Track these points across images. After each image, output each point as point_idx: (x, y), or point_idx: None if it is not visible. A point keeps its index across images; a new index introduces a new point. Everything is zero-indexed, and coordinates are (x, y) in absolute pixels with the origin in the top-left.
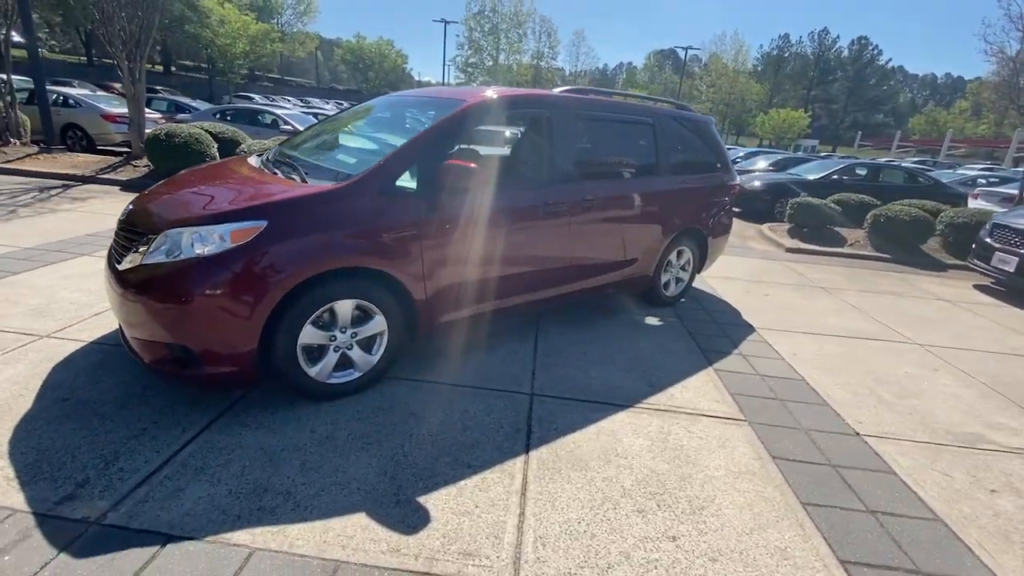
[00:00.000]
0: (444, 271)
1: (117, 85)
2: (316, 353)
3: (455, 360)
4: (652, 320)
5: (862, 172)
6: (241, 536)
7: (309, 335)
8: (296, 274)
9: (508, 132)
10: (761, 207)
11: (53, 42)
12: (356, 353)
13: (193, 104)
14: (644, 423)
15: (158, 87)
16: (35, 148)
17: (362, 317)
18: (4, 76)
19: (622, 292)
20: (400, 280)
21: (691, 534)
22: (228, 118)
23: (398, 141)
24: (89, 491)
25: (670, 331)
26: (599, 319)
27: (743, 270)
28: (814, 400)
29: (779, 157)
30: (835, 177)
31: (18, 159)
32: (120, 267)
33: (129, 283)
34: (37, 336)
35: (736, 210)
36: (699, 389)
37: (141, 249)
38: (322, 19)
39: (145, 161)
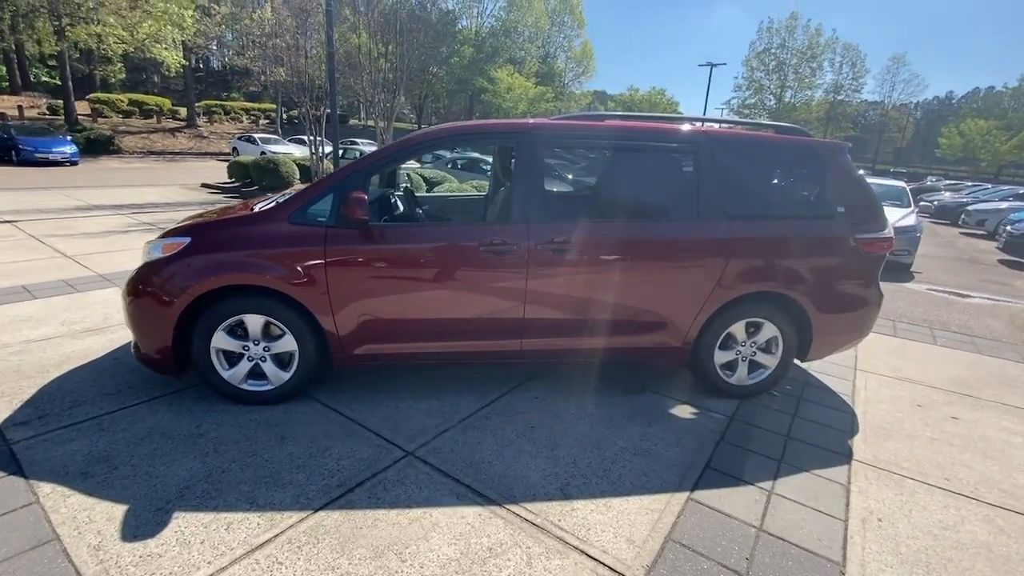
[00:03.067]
0: (356, 304)
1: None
2: (232, 359)
3: (380, 397)
4: (683, 410)
5: None
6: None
7: (221, 341)
8: (204, 284)
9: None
10: None
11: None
12: (269, 367)
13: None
14: (486, 532)
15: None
16: None
17: (279, 335)
18: (316, 138)
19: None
20: (305, 306)
21: None
22: (458, 166)
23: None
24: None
25: (687, 430)
26: (608, 392)
27: (945, 371)
28: None
29: None
30: None
31: None
32: None
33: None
34: None
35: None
36: (625, 518)
37: None
38: (601, 75)
39: None
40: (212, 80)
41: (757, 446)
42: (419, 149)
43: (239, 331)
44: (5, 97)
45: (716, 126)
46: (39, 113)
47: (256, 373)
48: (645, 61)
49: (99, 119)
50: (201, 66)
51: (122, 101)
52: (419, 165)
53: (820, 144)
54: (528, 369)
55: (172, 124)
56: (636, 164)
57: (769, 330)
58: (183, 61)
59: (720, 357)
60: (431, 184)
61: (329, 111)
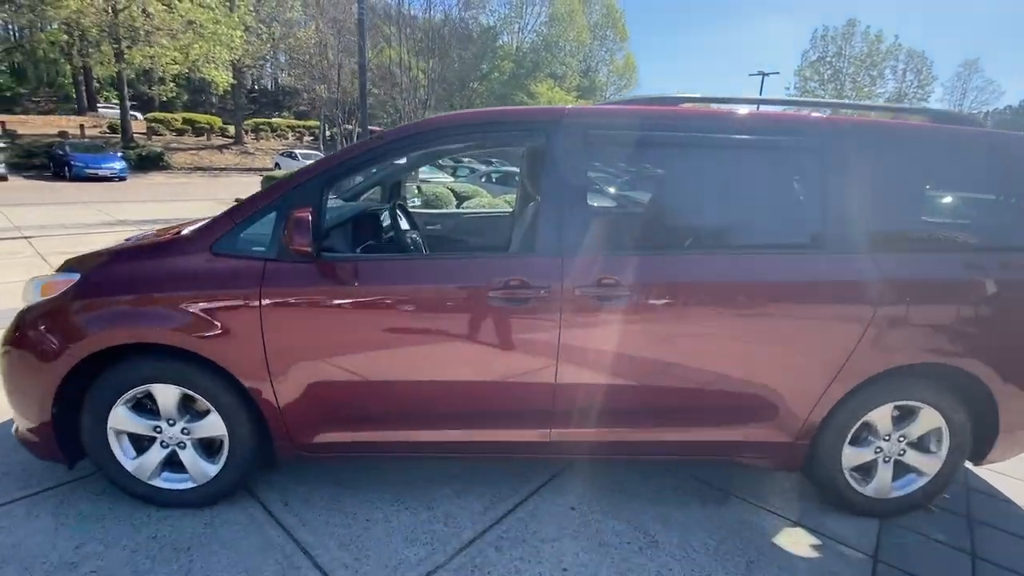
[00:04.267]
0: (308, 372)
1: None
2: (140, 443)
3: (346, 497)
4: (794, 539)
5: None
6: None
7: (123, 419)
8: (90, 342)
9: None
10: None
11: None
12: (190, 456)
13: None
14: None
15: (493, 159)
16: None
17: (203, 411)
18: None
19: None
20: (231, 372)
21: None
22: (493, 180)
23: None
24: None
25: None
26: (679, 501)
27: None
28: None
29: None
30: None
31: None
32: None
33: None
34: None
35: None
36: None
37: None
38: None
39: None
40: (265, 100)
41: None
42: (399, 148)
43: (149, 405)
44: (73, 117)
45: (845, 113)
46: (100, 132)
47: (176, 463)
48: (691, 72)
49: (153, 137)
50: (256, 87)
51: (176, 120)
52: (452, 178)
53: (1013, 139)
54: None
55: (220, 141)
56: (726, 169)
57: (929, 419)
58: (232, 81)
59: (851, 457)
60: (461, 199)
61: (360, 129)
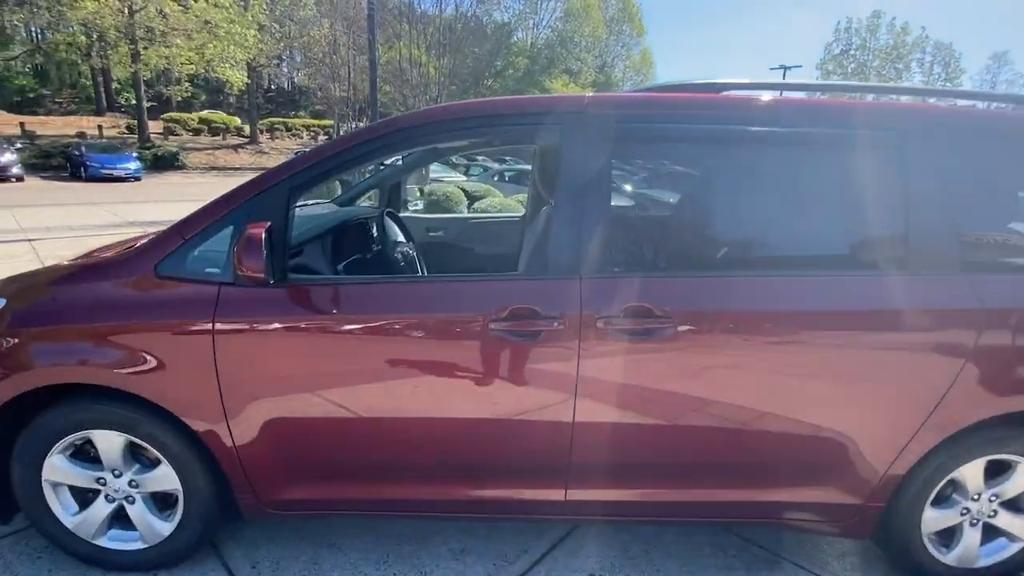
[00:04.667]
0: (272, 417)
1: None
2: (82, 496)
3: (324, 560)
4: None
5: None
6: None
7: (59, 469)
8: (13, 383)
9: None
10: None
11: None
12: (138, 512)
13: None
14: None
15: (508, 156)
16: None
17: (153, 461)
18: None
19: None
20: (180, 416)
21: None
22: (506, 179)
23: None
24: None
25: None
26: (719, 563)
27: None
28: None
29: None
30: None
31: None
32: None
33: None
34: None
35: None
36: None
37: None
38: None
39: None
40: (281, 100)
41: None
42: (381, 146)
43: (92, 452)
44: (92, 118)
45: (926, 100)
46: (119, 132)
47: (125, 517)
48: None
49: (170, 137)
50: (272, 87)
51: (192, 120)
52: (465, 177)
53: None
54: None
55: (235, 141)
56: (787, 170)
57: None
58: (246, 80)
59: (933, 521)
60: (473, 199)
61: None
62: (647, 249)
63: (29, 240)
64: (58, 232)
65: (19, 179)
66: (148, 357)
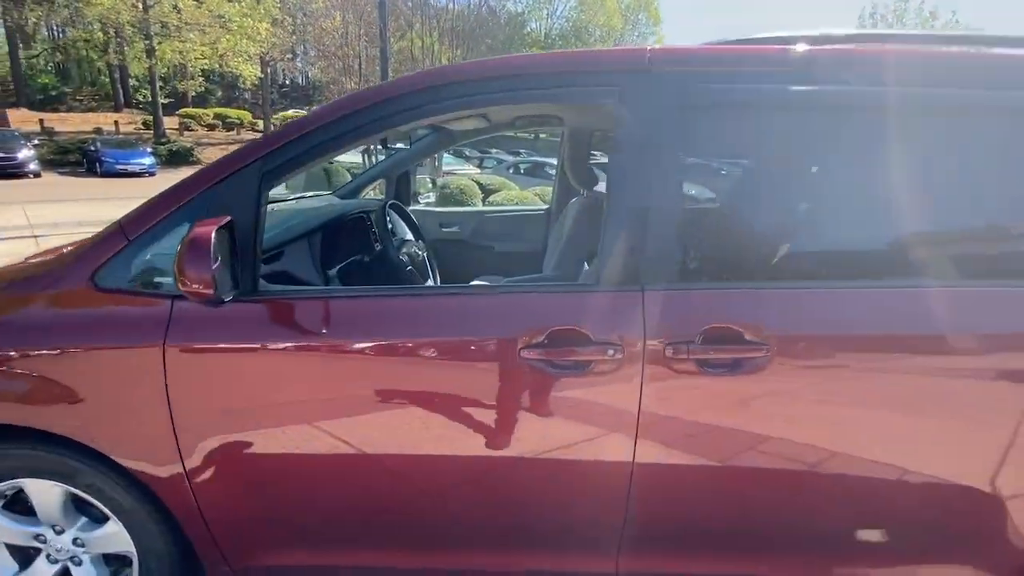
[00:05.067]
0: (242, 462)
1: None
2: (22, 556)
3: None
4: None
5: None
6: None
7: None
8: None
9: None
10: None
11: None
12: (85, 574)
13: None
14: None
15: (522, 149)
16: None
17: (100, 517)
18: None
19: None
20: (126, 465)
21: None
22: (521, 171)
23: None
24: None
25: None
26: None
27: None
28: None
29: None
30: None
31: None
32: None
33: None
34: None
35: None
36: None
37: None
38: None
39: None
40: (295, 95)
41: None
42: (370, 119)
43: (30, 503)
44: (109, 114)
45: None
46: (135, 128)
47: None
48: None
49: (185, 132)
50: (286, 82)
51: (207, 115)
52: (478, 170)
53: None
54: None
55: (250, 136)
56: (934, 145)
57: None
58: (259, 74)
59: None
60: (487, 192)
61: None
62: (733, 251)
63: (35, 236)
64: (66, 228)
65: (36, 175)
66: (82, 390)
